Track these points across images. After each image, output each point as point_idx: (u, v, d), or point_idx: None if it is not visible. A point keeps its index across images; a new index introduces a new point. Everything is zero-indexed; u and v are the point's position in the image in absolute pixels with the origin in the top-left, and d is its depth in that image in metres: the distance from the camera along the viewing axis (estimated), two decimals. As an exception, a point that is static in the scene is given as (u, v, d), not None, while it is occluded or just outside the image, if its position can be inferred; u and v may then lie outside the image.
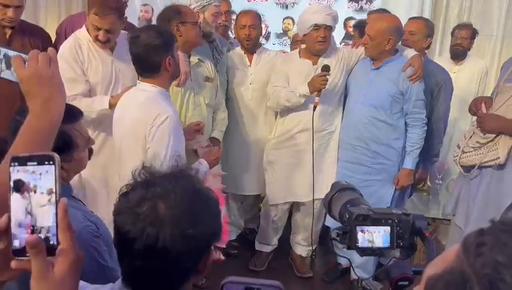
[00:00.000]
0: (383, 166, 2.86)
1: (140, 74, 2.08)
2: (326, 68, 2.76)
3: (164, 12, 2.62)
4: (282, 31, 5.10)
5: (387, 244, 1.05)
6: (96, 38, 2.36)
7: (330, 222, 2.89)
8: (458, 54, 3.92)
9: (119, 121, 2.09)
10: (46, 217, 0.73)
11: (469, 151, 2.48)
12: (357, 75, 2.93)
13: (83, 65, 2.40)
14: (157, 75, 2.00)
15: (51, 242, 0.73)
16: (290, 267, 3.31)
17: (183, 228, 0.89)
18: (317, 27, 2.81)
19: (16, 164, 0.73)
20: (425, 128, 2.82)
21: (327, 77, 2.74)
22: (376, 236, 1.05)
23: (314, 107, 2.79)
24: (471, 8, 4.73)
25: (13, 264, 0.74)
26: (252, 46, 3.19)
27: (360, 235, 1.05)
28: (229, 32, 3.65)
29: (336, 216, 1.21)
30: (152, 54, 1.96)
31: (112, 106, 2.28)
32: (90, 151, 1.55)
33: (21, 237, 0.73)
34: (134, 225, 0.87)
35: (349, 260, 1.40)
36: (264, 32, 5.05)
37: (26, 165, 0.73)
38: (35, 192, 0.73)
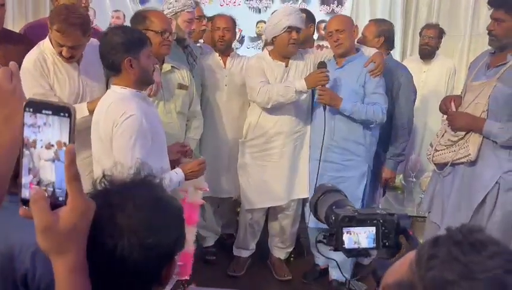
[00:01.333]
0: (352, 162, 2.89)
1: (109, 74, 2.05)
2: (323, 65, 2.76)
3: (133, 17, 2.58)
4: (256, 35, 5.12)
5: (372, 245, 1.05)
6: (60, 54, 2.27)
7: (313, 223, 2.93)
8: (426, 53, 4.01)
9: (94, 126, 2.04)
10: (53, 171, 0.72)
11: (441, 149, 2.53)
12: None
13: (49, 79, 2.30)
14: (121, 75, 1.96)
15: (59, 197, 0.72)
16: (269, 271, 3.29)
17: (142, 238, 0.86)
18: (290, 29, 2.82)
19: (31, 110, 0.72)
20: (382, 116, 2.80)
21: (327, 73, 2.73)
22: (362, 237, 1.06)
23: (325, 107, 2.75)
24: (439, 9, 4.85)
25: (20, 211, 0.73)
26: (225, 48, 3.21)
27: (346, 236, 1.05)
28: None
29: (322, 218, 1.21)
30: (112, 53, 1.93)
31: (91, 111, 2.19)
32: None
33: (29, 187, 0.72)
34: (92, 236, 0.83)
35: (336, 261, 1.41)
36: (238, 36, 5.07)
37: (41, 112, 0.71)
38: (44, 145, 0.71)
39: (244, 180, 3.12)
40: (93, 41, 2.29)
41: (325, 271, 3.18)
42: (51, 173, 0.72)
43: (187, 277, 2.29)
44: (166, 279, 0.94)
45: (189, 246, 2.26)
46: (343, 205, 1.14)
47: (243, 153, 3.10)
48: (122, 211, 0.87)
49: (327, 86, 2.76)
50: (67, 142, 0.72)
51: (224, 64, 3.21)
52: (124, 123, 1.88)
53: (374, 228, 1.05)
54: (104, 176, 0.92)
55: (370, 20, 3.50)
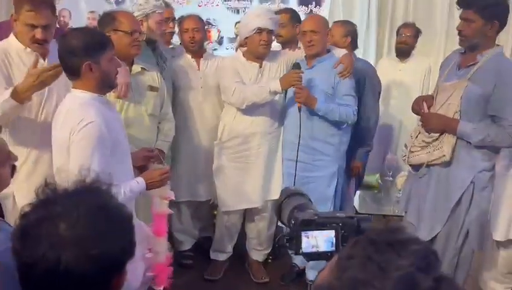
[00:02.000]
0: (322, 162, 2.90)
1: (68, 78, 1.94)
2: (297, 66, 2.76)
3: (101, 18, 2.54)
4: (234, 36, 5.09)
5: (331, 248, 1.04)
6: (32, 40, 2.18)
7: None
8: (403, 51, 4.04)
9: (53, 132, 1.95)
10: None
11: (416, 151, 2.53)
12: None
13: (11, 74, 2.19)
14: (80, 79, 1.87)
15: None
16: (247, 274, 3.27)
17: (87, 248, 0.83)
18: (260, 31, 2.81)
19: None
20: (353, 117, 2.84)
21: (301, 74, 2.74)
22: (320, 240, 1.05)
23: (299, 108, 2.75)
24: (415, 9, 4.89)
25: None
26: (197, 49, 3.18)
27: (304, 240, 1.04)
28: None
29: (285, 222, 1.21)
30: (70, 56, 1.84)
31: (20, 97, 2.05)
32: (13, 168, 1.44)
33: None
34: (34, 248, 0.80)
35: (297, 266, 1.39)
36: (217, 36, 5.05)
37: None
38: None
39: (220, 182, 3.09)
40: (54, 41, 2.23)
41: (303, 272, 3.17)
42: None
43: (162, 288, 2.23)
44: (117, 289, 0.91)
45: (161, 257, 2.20)
46: (305, 208, 1.14)
47: (219, 155, 3.06)
48: (65, 221, 0.84)
49: None
50: None
51: (198, 66, 3.18)
52: (82, 131, 1.78)
53: (333, 231, 1.05)
54: (46, 184, 0.88)
55: (335, 22, 3.54)
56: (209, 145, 3.15)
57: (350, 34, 3.28)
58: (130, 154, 2.09)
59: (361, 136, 3.18)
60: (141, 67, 2.65)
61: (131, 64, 2.60)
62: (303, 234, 1.03)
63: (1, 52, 2.20)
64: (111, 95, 2.46)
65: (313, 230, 1.04)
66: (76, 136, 1.79)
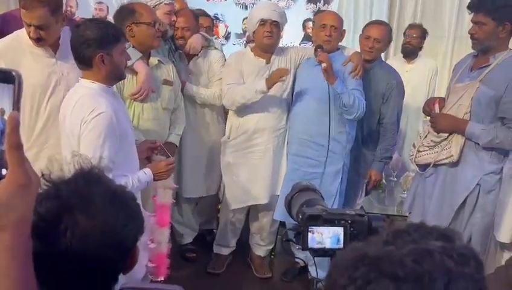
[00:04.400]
0: (328, 159, 2.89)
1: (79, 67, 1.97)
2: (320, 47, 2.74)
3: (119, 11, 2.53)
4: (242, 31, 5.09)
5: (337, 245, 1.04)
6: (29, 37, 2.17)
7: (278, 216, 2.96)
8: (408, 52, 4.04)
9: (61, 123, 1.98)
10: None
11: (424, 150, 2.53)
12: (302, 72, 2.96)
13: (18, 65, 2.15)
14: (91, 70, 1.90)
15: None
16: (249, 269, 3.28)
17: (110, 237, 0.87)
18: (263, 22, 2.81)
19: None
20: (362, 110, 2.78)
21: (285, 77, 2.76)
22: (326, 237, 1.04)
23: (324, 71, 2.66)
24: (423, 10, 4.88)
25: None
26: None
27: (310, 235, 1.04)
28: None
29: (294, 216, 1.21)
30: (83, 47, 1.86)
31: None
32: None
33: None
34: (57, 241, 0.82)
35: (303, 261, 1.39)
36: (224, 32, 5.04)
37: None
38: None
39: (228, 180, 3.09)
40: (68, 32, 2.22)
41: (305, 269, 3.17)
42: None
43: (162, 278, 2.25)
44: (132, 264, 0.96)
45: (163, 247, 2.22)
46: (314, 203, 1.13)
47: (226, 152, 3.06)
48: (84, 213, 0.85)
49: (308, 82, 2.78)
50: (11, 110, 0.66)
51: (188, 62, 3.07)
52: (93, 120, 1.81)
53: (342, 228, 1.04)
54: (42, 175, 0.88)
55: (378, 23, 3.33)
56: (213, 142, 3.15)
57: (391, 39, 3.27)
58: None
59: (385, 148, 3.04)
60: (158, 60, 2.64)
61: (148, 57, 2.60)
62: (309, 229, 1.03)
63: (9, 50, 2.19)
64: (126, 91, 2.47)
65: (319, 226, 1.03)
66: (88, 126, 1.81)
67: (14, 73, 0.67)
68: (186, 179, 3.16)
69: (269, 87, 2.77)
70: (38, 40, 2.17)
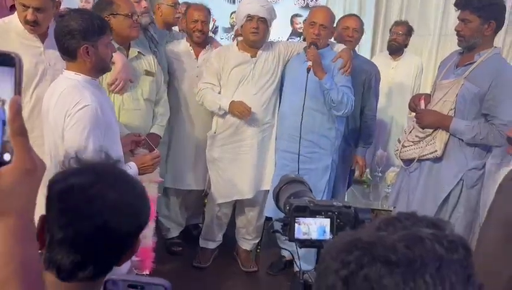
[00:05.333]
0: (317, 155, 2.91)
1: (63, 59, 1.93)
2: (314, 44, 2.75)
3: (98, 2, 2.51)
4: (230, 26, 5.07)
5: (324, 237, 1.05)
6: (25, 21, 2.14)
7: (270, 212, 2.95)
8: (394, 48, 4.08)
9: (45, 114, 1.94)
10: None
11: (409, 146, 2.56)
12: (292, 67, 2.96)
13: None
14: (76, 61, 1.87)
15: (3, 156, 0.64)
16: (235, 262, 3.29)
17: (130, 211, 0.98)
18: (250, 18, 2.80)
19: None
20: (350, 108, 2.82)
21: (248, 108, 2.82)
22: (312, 228, 1.05)
23: (308, 70, 2.69)
24: (409, 7, 4.93)
25: None
26: (202, 41, 3.13)
27: (296, 226, 1.05)
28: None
29: (281, 208, 1.22)
30: (67, 38, 1.82)
31: None
32: None
33: None
34: (89, 209, 0.93)
35: (291, 252, 1.40)
36: (212, 26, 5.01)
37: None
38: None
39: (214, 175, 3.09)
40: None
41: (291, 262, 3.19)
42: None
43: (147, 271, 2.24)
44: (137, 247, 1.03)
45: (148, 241, 2.20)
46: (302, 195, 1.14)
47: (213, 147, 3.05)
48: (113, 187, 0.97)
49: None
50: (12, 94, 0.64)
51: (196, 55, 3.15)
52: (78, 114, 1.78)
53: (329, 219, 1.05)
54: (73, 156, 1.00)
55: (352, 15, 3.48)
56: (200, 136, 3.15)
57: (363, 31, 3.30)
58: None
59: (368, 134, 3.21)
60: (138, 52, 2.63)
61: (128, 48, 2.58)
62: (296, 220, 1.04)
63: None
64: (105, 81, 2.45)
65: (306, 217, 1.04)
66: (72, 119, 1.78)
67: (13, 55, 0.65)
68: (175, 170, 3.16)
69: (230, 111, 2.85)
70: (33, 24, 2.14)
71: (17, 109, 0.63)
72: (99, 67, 1.93)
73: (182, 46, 3.16)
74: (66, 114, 1.80)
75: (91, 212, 0.92)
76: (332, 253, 0.61)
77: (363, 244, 0.58)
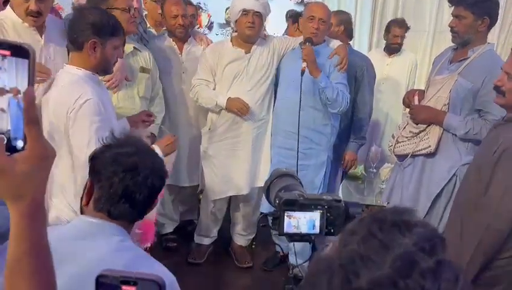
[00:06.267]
0: (312, 151, 2.91)
1: (69, 48, 1.95)
2: (309, 40, 2.75)
3: None
4: (225, 21, 5.05)
5: (313, 230, 1.05)
6: (26, 13, 2.13)
7: (265, 209, 2.93)
8: (394, 49, 4.10)
9: (44, 109, 1.95)
10: (8, 118, 0.67)
11: (403, 141, 2.56)
12: (287, 63, 2.95)
13: None
14: (80, 54, 1.88)
15: (17, 144, 0.68)
16: (230, 258, 3.30)
17: (159, 171, 1.34)
18: (245, 12, 2.78)
19: None
20: (346, 105, 2.82)
21: (246, 105, 2.82)
22: (302, 222, 1.05)
23: (302, 72, 2.69)
24: (405, 5, 4.94)
25: None
26: (184, 35, 3.10)
27: (286, 220, 1.05)
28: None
29: (272, 202, 1.22)
30: (80, 29, 1.85)
31: None
32: None
33: None
34: (136, 173, 1.28)
35: (282, 248, 1.40)
36: (207, 22, 5.00)
37: None
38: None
39: (208, 171, 3.09)
40: (51, 17, 2.20)
41: (286, 258, 3.20)
42: (6, 120, 0.68)
43: (149, 244, 2.26)
44: (156, 204, 1.38)
45: (151, 214, 2.23)
46: (292, 189, 1.14)
47: (207, 143, 3.05)
48: (149, 155, 1.36)
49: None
50: (26, 86, 0.67)
51: (180, 51, 3.10)
52: (82, 108, 1.80)
53: (318, 213, 1.05)
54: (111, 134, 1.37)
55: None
56: (194, 132, 3.14)
57: (343, 23, 3.28)
58: (130, 116, 2.29)
59: (359, 127, 3.21)
60: (134, 47, 2.61)
61: (123, 43, 2.57)
62: (286, 214, 1.04)
63: None
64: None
65: (295, 211, 1.04)
66: (75, 113, 1.80)
67: (27, 47, 0.67)
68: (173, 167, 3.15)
69: (227, 108, 2.83)
70: (37, 15, 2.13)
71: (31, 99, 0.67)
72: (101, 67, 1.94)
73: (165, 43, 3.11)
74: (69, 108, 1.81)
75: (137, 172, 1.26)
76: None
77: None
